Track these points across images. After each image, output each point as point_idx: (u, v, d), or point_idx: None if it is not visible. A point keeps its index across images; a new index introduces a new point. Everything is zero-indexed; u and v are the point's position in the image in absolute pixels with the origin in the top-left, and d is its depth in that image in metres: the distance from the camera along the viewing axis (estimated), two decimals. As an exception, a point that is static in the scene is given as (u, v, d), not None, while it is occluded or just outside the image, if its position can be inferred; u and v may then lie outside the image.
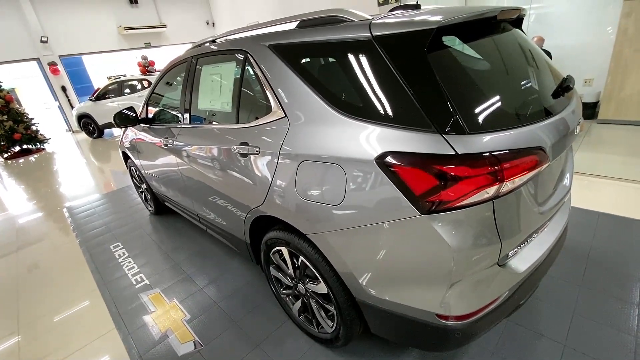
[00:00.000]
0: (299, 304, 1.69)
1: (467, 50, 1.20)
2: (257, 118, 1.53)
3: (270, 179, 1.42)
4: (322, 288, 1.43)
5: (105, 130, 8.76)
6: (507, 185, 0.95)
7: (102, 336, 1.96)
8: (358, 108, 1.12)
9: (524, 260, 1.18)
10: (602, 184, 3.06)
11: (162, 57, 10.44)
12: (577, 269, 1.98)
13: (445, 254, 0.98)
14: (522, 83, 1.25)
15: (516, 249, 1.13)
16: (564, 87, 1.29)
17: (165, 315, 2.05)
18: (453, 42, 1.14)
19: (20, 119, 7.63)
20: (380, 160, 1.02)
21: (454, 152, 0.92)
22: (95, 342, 1.92)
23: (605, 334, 1.55)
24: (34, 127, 7.89)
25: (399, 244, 1.07)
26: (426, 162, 0.95)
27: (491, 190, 0.93)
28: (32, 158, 7.57)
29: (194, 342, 1.82)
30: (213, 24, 12.35)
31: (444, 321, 1.08)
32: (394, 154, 1.00)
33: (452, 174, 0.92)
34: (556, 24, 5.34)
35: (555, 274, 1.94)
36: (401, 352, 1.58)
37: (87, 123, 8.68)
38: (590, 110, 5.03)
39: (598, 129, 4.66)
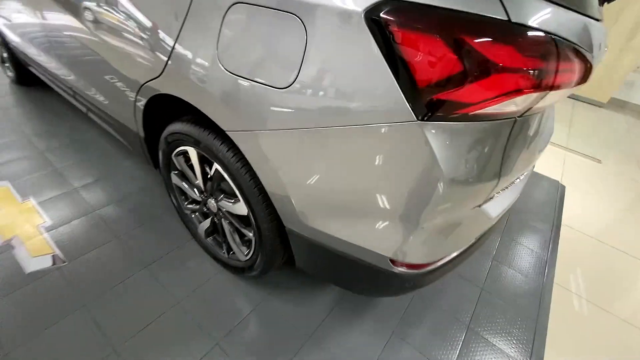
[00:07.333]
0: (207, 223, 1.31)
1: None
2: None
3: (176, 35, 0.88)
4: (240, 209, 1.06)
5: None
6: (547, 98, 0.63)
7: None
8: None
9: (496, 205, 0.96)
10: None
11: None
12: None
13: (432, 180, 0.67)
14: None
15: (498, 192, 0.89)
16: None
17: (13, 217, 1.47)
18: None
19: None
20: (375, 13, 0.58)
21: (507, 18, 0.53)
22: None
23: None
24: None
25: (369, 159, 0.71)
26: (454, 27, 0.55)
27: (529, 99, 0.61)
28: None
29: (52, 256, 1.34)
30: None
31: (399, 268, 0.83)
32: (401, 5, 0.57)
33: (494, 60, 0.55)
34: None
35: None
36: (321, 288, 1.37)
37: None
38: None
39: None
